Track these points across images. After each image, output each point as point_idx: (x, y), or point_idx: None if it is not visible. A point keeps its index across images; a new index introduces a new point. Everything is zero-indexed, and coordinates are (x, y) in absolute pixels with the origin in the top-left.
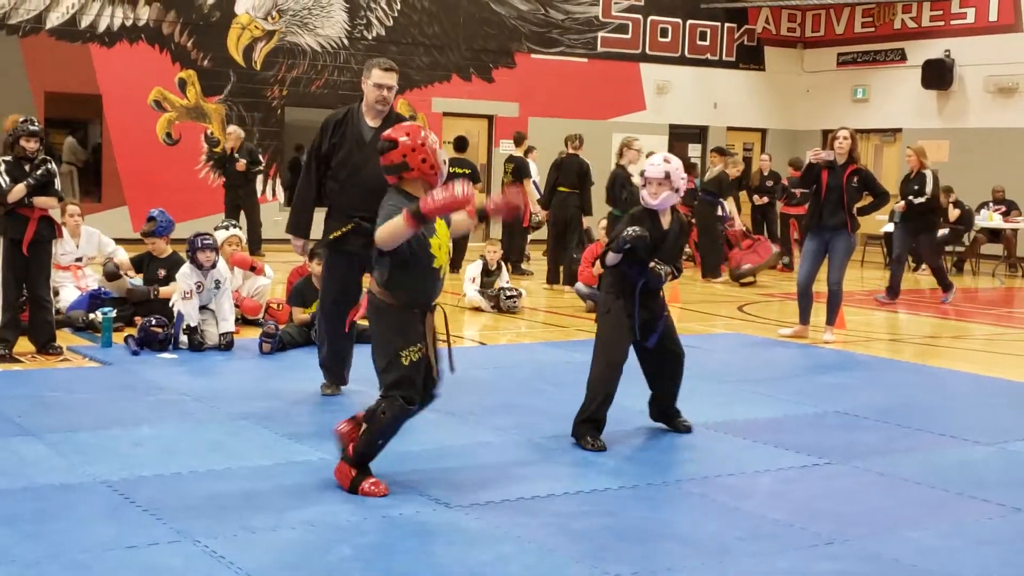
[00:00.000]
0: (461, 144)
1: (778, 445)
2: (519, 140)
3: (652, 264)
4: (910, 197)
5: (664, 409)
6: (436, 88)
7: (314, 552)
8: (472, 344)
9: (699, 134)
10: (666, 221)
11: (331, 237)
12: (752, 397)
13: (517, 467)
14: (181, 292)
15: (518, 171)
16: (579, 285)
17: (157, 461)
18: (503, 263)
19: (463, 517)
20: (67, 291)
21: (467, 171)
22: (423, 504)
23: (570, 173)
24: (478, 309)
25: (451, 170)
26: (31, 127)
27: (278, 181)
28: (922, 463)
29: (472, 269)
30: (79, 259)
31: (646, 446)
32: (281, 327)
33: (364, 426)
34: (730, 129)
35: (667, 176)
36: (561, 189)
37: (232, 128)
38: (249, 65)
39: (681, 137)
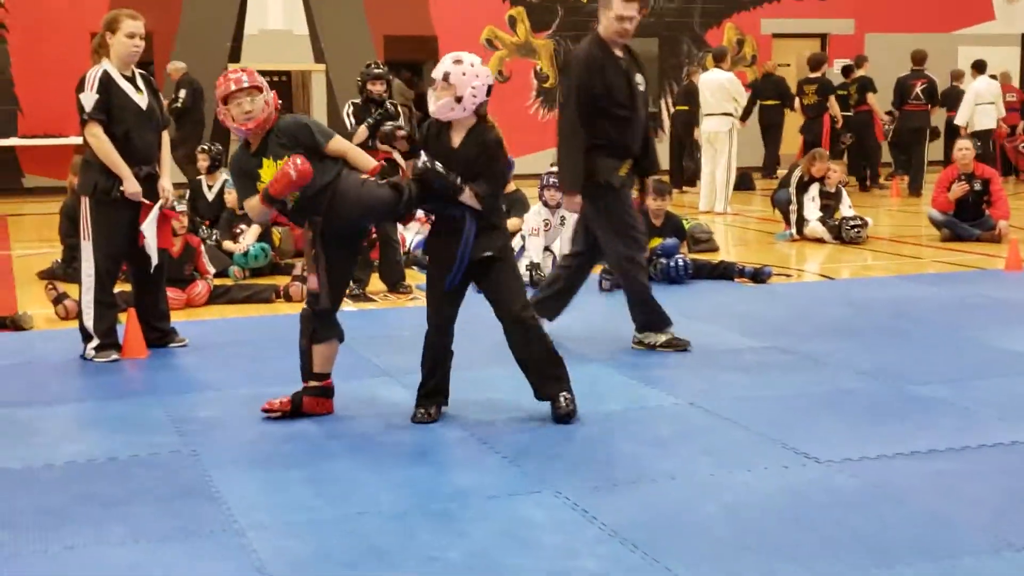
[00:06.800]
0: (816, 63)
1: None
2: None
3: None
4: None
5: None
6: (765, 9)
7: (680, 507)
8: (815, 278)
9: None
10: (457, 138)
11: (621, 174)
12: None
13: (891, 418)
14: (529, 228)
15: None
16: (932, 212)
17: (512, 401)
18: (842, 187)
19: (835, 475)
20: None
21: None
22: (793, 460)
23: None
24: (820, 240)
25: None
26: (375, 70)
27: None
28: None
29: (813, 189)
30: None
31: None
32: None
33: None
34: None
35: (445, 78)
36: None
37: None
38: None
39: None
